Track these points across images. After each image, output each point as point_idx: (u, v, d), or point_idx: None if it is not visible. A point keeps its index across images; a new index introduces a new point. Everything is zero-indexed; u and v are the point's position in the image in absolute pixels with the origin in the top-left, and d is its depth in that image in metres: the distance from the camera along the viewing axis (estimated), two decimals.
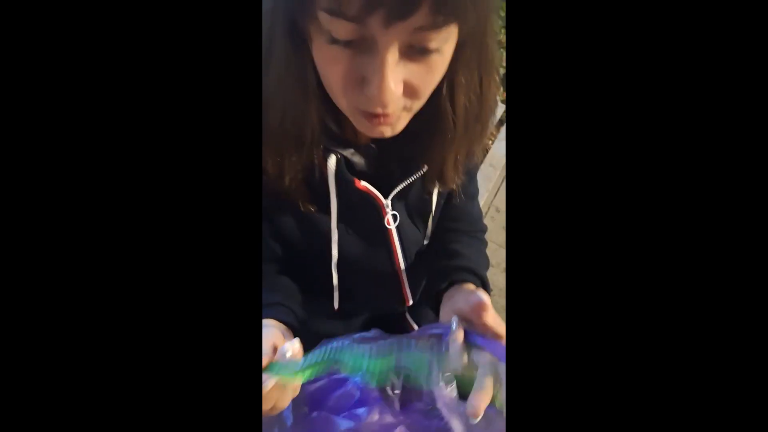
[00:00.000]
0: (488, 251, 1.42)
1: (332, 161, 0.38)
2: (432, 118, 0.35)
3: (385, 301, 0.49)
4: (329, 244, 0.44)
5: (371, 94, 0.29)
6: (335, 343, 0.33)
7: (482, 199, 1.08)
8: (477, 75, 0.34)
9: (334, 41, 0.28)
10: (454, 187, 0.43)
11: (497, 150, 1.14)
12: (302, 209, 0.41)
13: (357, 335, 0.35)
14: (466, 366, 0.35)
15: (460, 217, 0.52)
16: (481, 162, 0.52)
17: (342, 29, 0.27)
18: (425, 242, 0.52)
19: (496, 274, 1.40)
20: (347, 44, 0.28)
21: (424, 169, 0.41)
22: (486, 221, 1.50)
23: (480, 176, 1.11)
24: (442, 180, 0.42)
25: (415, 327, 0.56)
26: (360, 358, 0.32)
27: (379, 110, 0.30)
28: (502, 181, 1.60)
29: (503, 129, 1.18)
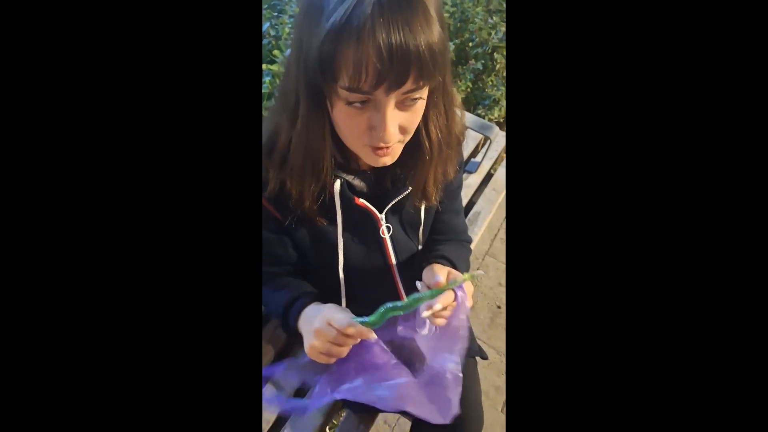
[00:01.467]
0: (496, 271, 1.46)
1: (338, 184, 0.50)
2: (414, 148, 0.47)
3: (384, 299, 0.56)
4: (336, 252, 0.55)
5: (378, 135, 0.41)
6: (388, 304, 0.47)
7: (488, 220, 1.14)
8: (443, 111, 0.46)
9: (350, 104, 0.39)
10: (435, 201, 0.55)
11: (500, 175, 1.22)
12: (317, 224, 0.52)
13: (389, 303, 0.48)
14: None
15: (446, 230, 0.63)
16: (459, 182, 0.62)
17: (356, 98, 0.39)
18: (419, 247, 0.61)
19: (502, 292, 1.46)
20: (359, 105, 0.39)
21: (409, 189, 0.53)
22: (496, 242, 1.54)
23: (484, 200, 1.18)
24: (425, 196, 0.53)
25: None
26: (396, 308, 0.47)
27: (383, 145, 0.42)
28: None
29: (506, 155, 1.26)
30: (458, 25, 1.67)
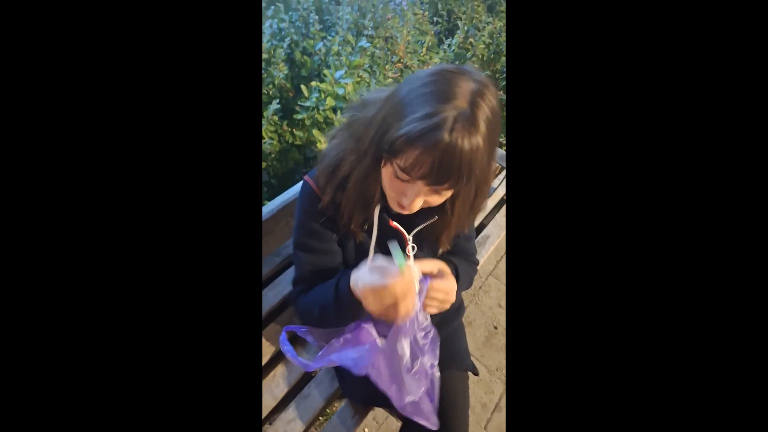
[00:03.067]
0: (497, 292, 1.52)
1: (377, 209, 0.62)
2: (438, 211, 0.60)
3: None
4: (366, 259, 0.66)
5: (404, 202, 0.53)
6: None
7: (495, 243, 1.21)
8: (472, 196, 0.56)
9: (396, 176, 0.52)
10: (448, 247, 0.67)
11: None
12: (357, 240, 0.66)
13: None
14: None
15: (457, 251, 0.76)
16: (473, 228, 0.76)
17: (403, 177, 0.50)
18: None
19: (503, 315, 1.52)
20: (403, 179, 0.51)
21: (435, 218, 0.64)
22: (501, 264, 1.59)
23: (494, 225, 1.26)
24: (440, 242, 0.65)
25: None
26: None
27: (406, 211, 0.55)
28: None
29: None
30: (492, 56, 1.76)
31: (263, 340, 0.86)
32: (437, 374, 0.63)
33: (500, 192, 1.32)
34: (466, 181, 0.47)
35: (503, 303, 1.50)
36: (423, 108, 0.46)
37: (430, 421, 0.62)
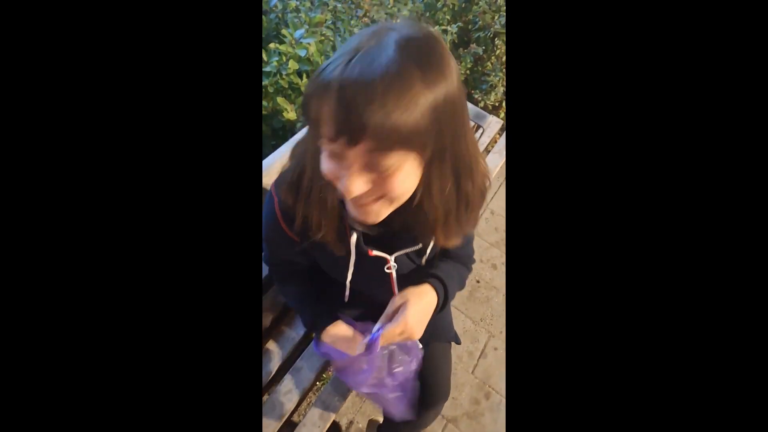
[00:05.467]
0: (479, 249, 1.55)
1: (354, 238, 0.54)
2: (417, 213, 0.47)
3: (382, 300, 0.67)
4: (346, 272, 0.61)
5: (347, 187, 0.40)
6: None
7: None
8: (452, 179, 0.44)
9: (326, 153, 0.41)
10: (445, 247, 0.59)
11: (491, 161, 1.29)
12: (335, 253, 0.56)
13: None
14: None
15: (453, 255, 0.68)
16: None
17: (329, 147, 0.39)
18: (422, 263, 0.66)
19: (485, 269, 1.57)
20: (333, 155, 0.40)
21: (419, 246, 0.58)
22: (480, 222, 1.62)
23: None
24: (434, 247, 0.58)
25: None
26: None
27: (356, 198, 0.42)
28: (500, 185, 1.77)
29: (499, 141, 1.32)
30: (462, 5, 1.66)
31: None
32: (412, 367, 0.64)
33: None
34: (389, 139, 0.35)
35: (484, 258, 1.55)
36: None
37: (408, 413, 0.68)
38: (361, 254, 0.57)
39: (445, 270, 0.64)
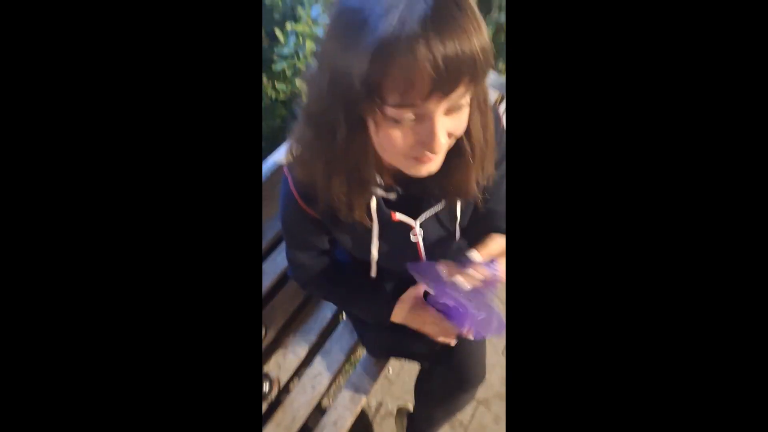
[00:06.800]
0: None
1: (374, 202, 0.52)
2: (452, 154, 0.46)
3: (410, 280, 0.64)
4: (370, 252, 0.58)
5: (428, 147, 0.39)
6: None
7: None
8: (482, 111, 0.45)
9: (396, 122, 0.38)
10: (476, 200, 0.54)
11: None
12: (362, 228, 0.54)
13: None
14: None
15: (488, 216, 0.63)
16: (501, 170, 0.60)
17: (407, 113, 0.37)
18: (457, 238, 0.62)
19: None
20: (410, 121, 0.38)
21: (443, 203, 0.55)
22: None
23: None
24: (466, 196, 0.52)
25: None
26: None
27: (431, 156, 0.41)
28: None
29: None
30: None
31: (277, 305, 0.87)
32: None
33: (502, 120, 1.25)
34: (484, 66, 0.35)
35: None
36: (377, 6, 0.33)
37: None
38: (384, 222, 0.54)
39: (492, 221, 0.60)
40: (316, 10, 0.96)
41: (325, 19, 0.98)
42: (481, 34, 0.34)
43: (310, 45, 0.97)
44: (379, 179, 0.51)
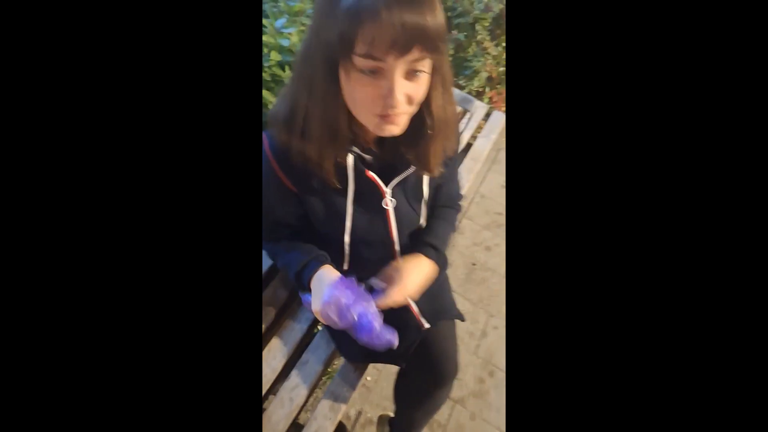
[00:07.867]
0: (471, 232, 1.57)
1: (350, 158, 0.57)
2: (417, 126, 0.53)
3: (383, 264, 0.67)
4: (344, 219, 0.62)
5: (387, 102, 0.46)
6: None
7: (466, 187, 1.23)
8: (443, 91, 0.52)
9: (362, 72, 0.45)
10: (437, 174, 0.61)
11: (479, 146, 1.29)
12: (329, 194, 0.59)
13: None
14: None
15: (444, 197, 0.72)
16: (456, 155, 0.69)
17: (370, 64, 0.44)
18: (422, 222, 0.69)
19: (479, 251, 1.59)
20: (372, 74, 0.45)
21: (412, 168, 0.60)
22: (472, 206, 1.63)
23: (463, 168, 1.26)
24: (428, 169, 0.59)
25: None
26: None
27: (390, 112, 0.47)
28: (488, 170, 1.79)
29: (485, 126, 1.33)
30: None
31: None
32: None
33: (466, 136, 1.31)
34: (435, 38, 0.43)
35: (477, 241, 1.56)
36: None
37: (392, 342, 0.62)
38: (358, 182, 0.58)
39: (436, 230, 0.69)
40: (281, 21, 0.97)
41: (290, 30, 0.99)
42: (435, 16, 0.43)
43: (275, 56, 0.98)
44: (350, 133, 0.55)
